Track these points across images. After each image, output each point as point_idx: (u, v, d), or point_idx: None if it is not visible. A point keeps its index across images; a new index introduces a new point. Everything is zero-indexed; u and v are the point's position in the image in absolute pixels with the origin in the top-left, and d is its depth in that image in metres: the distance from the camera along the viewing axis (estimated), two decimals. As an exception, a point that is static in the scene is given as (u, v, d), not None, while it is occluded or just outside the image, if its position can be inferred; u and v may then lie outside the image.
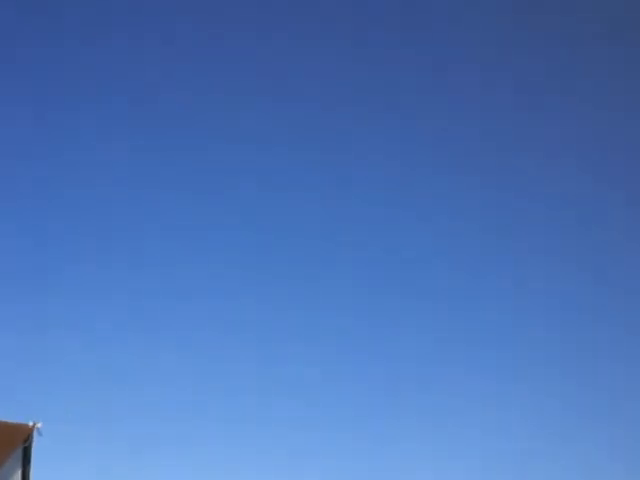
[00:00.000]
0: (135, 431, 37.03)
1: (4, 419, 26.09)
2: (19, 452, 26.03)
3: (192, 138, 35.04)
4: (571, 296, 14.58)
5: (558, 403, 16.80)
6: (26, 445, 26.04)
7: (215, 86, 33.96)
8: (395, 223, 13.44)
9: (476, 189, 14.50)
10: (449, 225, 13.50)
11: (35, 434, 26.13)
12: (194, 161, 35.02)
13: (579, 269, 14.11)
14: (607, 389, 14.34)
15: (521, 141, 15.00)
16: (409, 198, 14.29)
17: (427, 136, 14.15)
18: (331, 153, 14.67)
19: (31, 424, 26.00)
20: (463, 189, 14.37)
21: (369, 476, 30.09)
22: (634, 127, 15.69)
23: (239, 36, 32.48)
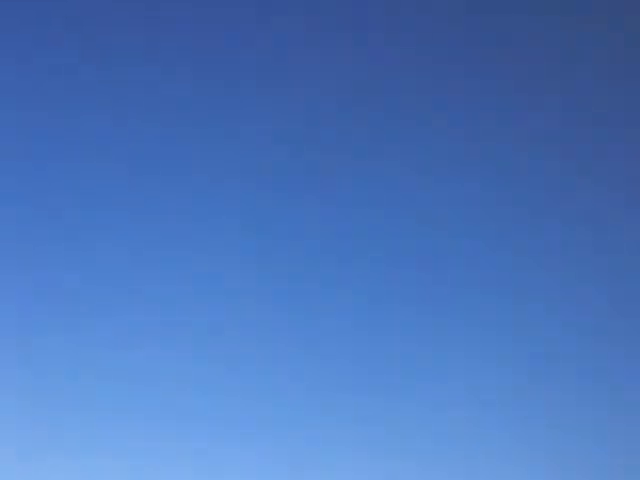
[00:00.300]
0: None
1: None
2: None
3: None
4: (575, 293, 14.29)
5: (563, 416, 16.28)
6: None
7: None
8: (395, 222, 13.35)
9: (476, 188, 14.21)
10: (450, 225, 13.31)
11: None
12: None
13: (582, 267, 13.74)
14: (608, 384, 13.84)
15: (520, 138, 14.75)
16: (409, 198, 14.09)
17: (426, 135, 13.93)
18: (328, 154, 14.44)
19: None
20: (463, 188, 14.06)
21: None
22: (636, 123, 15.35)
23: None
